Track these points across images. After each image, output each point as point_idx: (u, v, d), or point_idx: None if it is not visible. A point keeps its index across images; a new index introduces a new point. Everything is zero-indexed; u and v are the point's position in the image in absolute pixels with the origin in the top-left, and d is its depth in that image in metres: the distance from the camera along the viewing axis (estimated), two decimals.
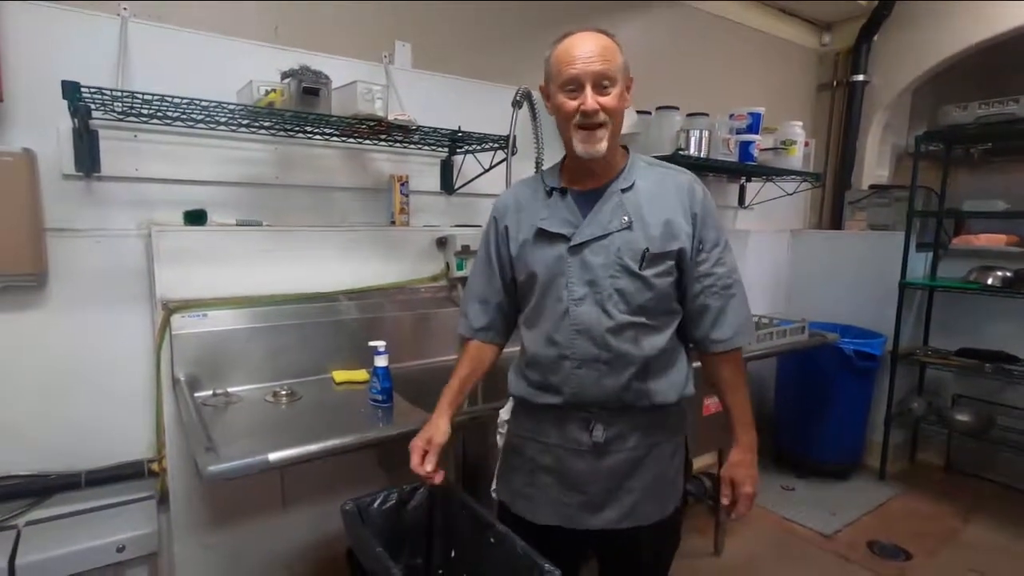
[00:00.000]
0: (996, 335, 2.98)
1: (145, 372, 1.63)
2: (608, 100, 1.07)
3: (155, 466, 1.63)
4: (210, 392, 1.53)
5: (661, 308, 1.15)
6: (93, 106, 1.39)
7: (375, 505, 1.30)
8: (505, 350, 1.35)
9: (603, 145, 1.09)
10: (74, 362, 1.56)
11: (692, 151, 2.31)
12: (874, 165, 3.57)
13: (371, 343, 1.50)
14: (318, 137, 1.80)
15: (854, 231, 3.45)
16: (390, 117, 1.62)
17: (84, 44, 1.50)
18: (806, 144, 2.76)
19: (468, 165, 2.11)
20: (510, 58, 2.29)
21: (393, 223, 1.98)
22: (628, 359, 1.12)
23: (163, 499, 1.61)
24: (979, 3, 2.97)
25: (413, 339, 1.93)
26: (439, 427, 1.23)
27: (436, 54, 2.12)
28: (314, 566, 1.73)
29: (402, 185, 1.97)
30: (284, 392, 1.56)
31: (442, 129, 1.78)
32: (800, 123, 2.73)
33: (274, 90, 1.51)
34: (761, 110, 2.56)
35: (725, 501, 1.23)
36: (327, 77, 1.59)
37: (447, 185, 2.14)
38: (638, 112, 2.43)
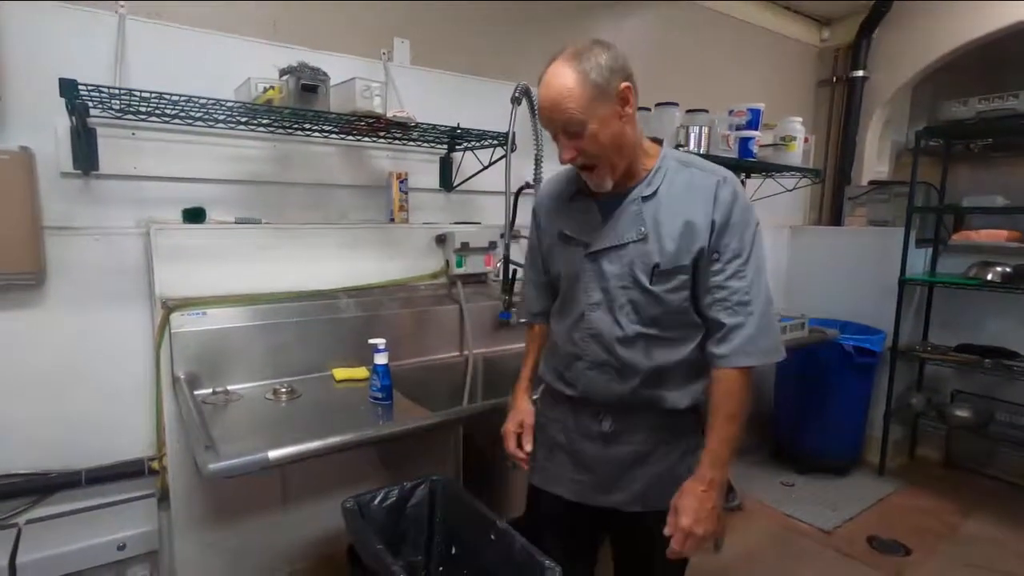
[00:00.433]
0: (996, 331, 2.99)
1: (145, 370, 1.63)
2: (584, 144, 1.04)
3: (155, 464, 1.64)
4: (210, 390, 1.53)
5: (677, 322, 1.12)
6: (91, 104, 1.38)
7: (376, 502, 1.30)
8: None
9: (607, 181, 1.10)
10: (74, 360, 1.56)
11: (691, 147, 2.31)
12: (874, 161, 3.57)
13: (371, 341, 1.50)
14: (317, 134, 1.79)
15: (854, 227, 3.45)
16: (389, 114, 1.62)
17: (82, 42, 1.49)
18: (806, 140, 2.75)
19: (467, 162, 2.11)
20: (509, 55, 2.29)
21: (392, 220, 1.97)
22: (635, 369, 1.13)
23: (163, 497, 1.61)
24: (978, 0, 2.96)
25: (413, 337, 1.93)
26: (526, 409, 1.32)
27: (435, 51, 2.12)
28: (315, 563, 1.73)
29: (401, 182, 1.96)
30: (284, 390, 1.56)
31: (441, 126, 1.78)
32: (800, 119, 2.72)
33: (272, 87, 1.51)
34: (761, 106, 2.55)
35: (666, 531, 1.07)
36: (325, 74, 1.58)
37: (446, 182, 2.14)
38: (638, 108, 2.42)
